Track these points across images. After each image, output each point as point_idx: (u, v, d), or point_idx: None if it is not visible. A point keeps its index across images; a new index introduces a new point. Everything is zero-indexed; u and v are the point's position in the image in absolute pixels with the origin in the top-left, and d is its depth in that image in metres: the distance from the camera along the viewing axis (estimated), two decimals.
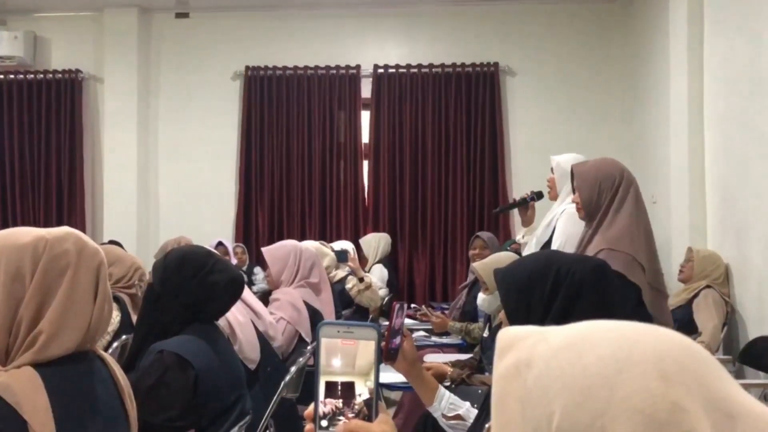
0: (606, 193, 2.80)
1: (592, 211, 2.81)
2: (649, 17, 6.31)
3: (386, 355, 1.93)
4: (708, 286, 4.43)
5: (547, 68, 7.27)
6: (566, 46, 7.25)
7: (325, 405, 0.99)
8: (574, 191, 2.92)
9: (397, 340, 1.97)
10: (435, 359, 3.93)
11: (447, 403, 2.17)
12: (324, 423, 0.99)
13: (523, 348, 0.67)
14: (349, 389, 1.00)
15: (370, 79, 7.40)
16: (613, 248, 2.65)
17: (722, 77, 4.78)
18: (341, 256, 5.55)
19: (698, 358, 0.61)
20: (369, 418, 0.99)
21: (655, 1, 6.06)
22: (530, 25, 7.29)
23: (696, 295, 4.43)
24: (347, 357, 1.00)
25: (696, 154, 5.03)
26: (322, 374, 0.99)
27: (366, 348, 1.00)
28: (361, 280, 5.52)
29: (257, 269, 6.80)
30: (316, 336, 1.00)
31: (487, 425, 1.56)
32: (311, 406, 1.00)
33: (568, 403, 0.60)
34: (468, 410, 2.18)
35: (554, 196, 3.68)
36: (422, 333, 4.95)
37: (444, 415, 2.17)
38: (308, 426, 1.00)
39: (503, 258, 3.65)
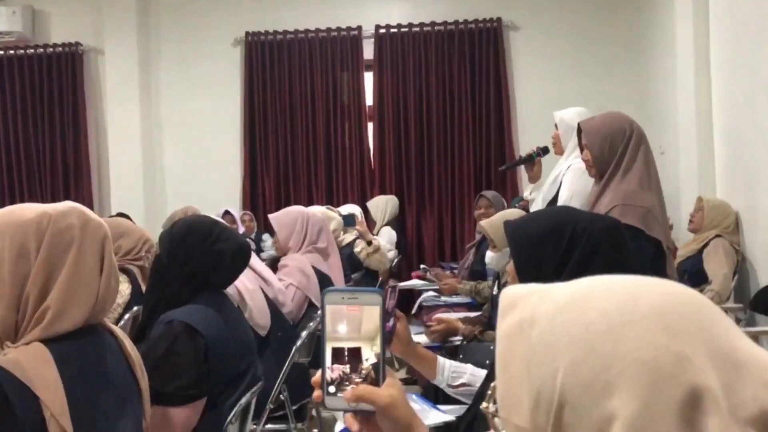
0: (616, 148, 2.72)
1: (603, 167, 2.74)
2: None
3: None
4: (718, 236, 4.41)
5: (550, 21, 7.18)
6: None
7: (333, 371, 0.99)
8: (582, 148, 2.85)
9: (390, 322, 1.96)
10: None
11: (449, 373, 2.16)
12: (332, 389, 1.00)
13: (527, 306, 0.67)
14: (355, 355, 1.00)
15: (372, 39, 7.33)
16: (629, 203, 2.59)
17: (728, 23, 4.71)
18: (349, 220, 5.55)
19: (702, 308, 0.61)
20: (376, 382, 1.00)
21: None
22: None
23: (706, 245, 4.42)
24: (353, 323, 1.00)
25: (703, 103, 4.98)
26: (329, 341, 0.99)
27: (371, 313, 1.00)
28: (369, 243, 5.53)
29: (266, 236, 6.82)
30: (321, 303, 1.00)
31: (492, 384, 1.56)
32: (318, 373, 1.00)
33: (572, 358, 0.60)
34: (471, 375, 2.18)
35: (560, 152, 3.66)
36: (432, 293, 4.97)
37: (449, 385, 2.17)
38: (316, 392, 1.01)
39: (510, 215, 3.63)
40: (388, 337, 1.96)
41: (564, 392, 0.59)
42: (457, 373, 2.17)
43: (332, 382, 0.99)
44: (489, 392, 1.39)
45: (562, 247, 1.69)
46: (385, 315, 1.92)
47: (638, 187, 2.65)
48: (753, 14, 4.27)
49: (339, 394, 0.99)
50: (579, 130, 2.88)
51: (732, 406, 0.55)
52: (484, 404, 1.36)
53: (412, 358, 2.13)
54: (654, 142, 6.30)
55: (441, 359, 2.18)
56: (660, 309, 0.60)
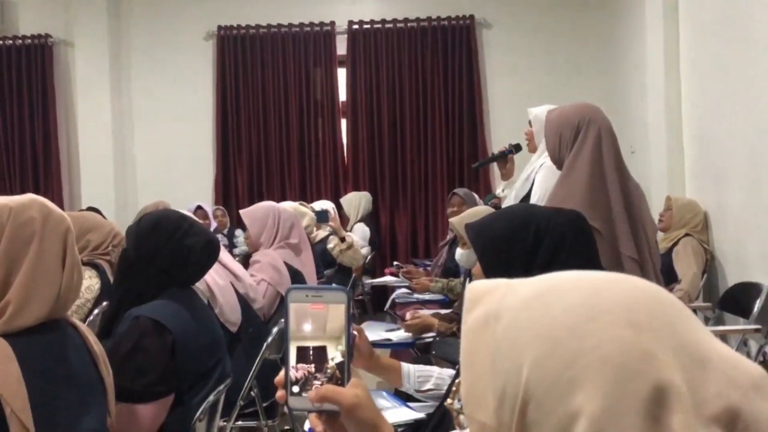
0: (566, 141, 2.59)
1: (556, 160, 2.64)
2: None
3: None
4: (687, 234, 4.45)
5: (523, 19, 7.21)
6: None
7: (297, 370, 0.98)
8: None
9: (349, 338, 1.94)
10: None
11: (415, 379, 2.16)
12: (296, 389, 0.98)
13: (492, 300, 0.66)
14: (320, 354, 0.99)
15: (345, 35, 7.31)
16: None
17: (698, 23, 4.75)
18: (322, 216, 5.53)
19: (668, 305, 0.61)
20: (342, 382, 0.99)
21: None
22: None
23: (675, 244, 4.45)
24: (318, 321, 0.99)
25: (673, 102, 5.03)
26: (293, 339, 0.98)
27: (336, 311, 0.99)
28: (342, 239, 5.53)
29: (238, 232, 6.77)
30: (285, 301, 0.99)
31: (457, 380, 1.55)
32: (282, 373, 0.99)
33: (537, 354, 0.59)
34: (438, 377, 2.18)
35: (533, 149, 3.66)
36: (405, 290, 4.97)
37: (417, 391, 2.17)
38: (279, 392, 0.99)
39: (480, 212, 3.64)
40: (350, 351, 1.94)
41: (529, 388, 0.59)
42: (423, 377, 2.17)
43: (296, 382, 0.98)
44: (453, 389, 1.38)
45: (529, 244, 1.69)
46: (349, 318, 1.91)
47: (577, 190, 2.48)
48: (721, 15, 4.32)
49: (303, 394, 0.98)
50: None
51: (696, 402, 0.55)
52: (448, 401, 1.36)
53: (376, 369, 2.12)
54: (624, 142, 6.34)
55: (405, 366, 2.17)
56: (626, 304, 0.59)
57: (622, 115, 6.48)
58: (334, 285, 1.11)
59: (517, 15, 7.21)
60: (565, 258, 1.64)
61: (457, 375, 1.99)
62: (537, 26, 7.18)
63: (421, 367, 2.20)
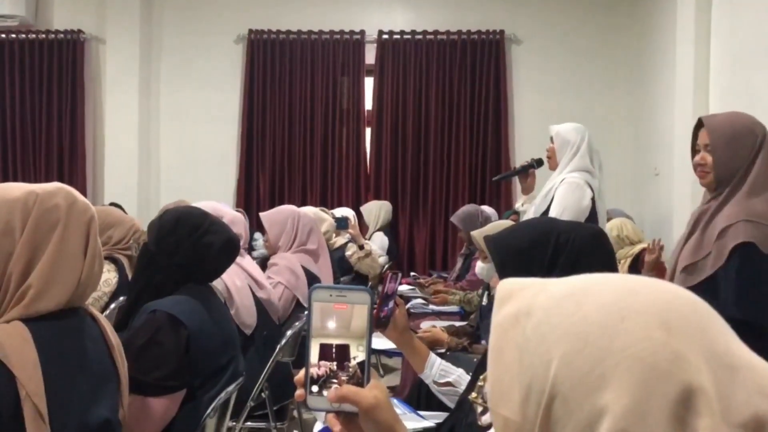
0: (744, 153, 2.31)
1: (723, 174, 2.34)
2: None
3: (376, 321, 1.93)
4: None
5: (553, 37, 7.19)
6: (572, 14, 7.16)
7: (320, 368, 0.98)
8: (694, 149, 2.47)
9: (389, 307, 1.96)
10: (434, 325, 3.94)
11: (438, 370, 2.16)
12: (315, 388, 0.98)
13: (524, 297, 0.67)
14: (343, 352, 0.99)
15: (375, 44, 7.33)
16: (754, 220, 2.22)
17: (728, 48, 4.72)
18: (341, 223, 5.54)
19: (700, 310, 0.61)
20: (361, 383, 0.98)
21: None
22: None
23: None
24: (342, 320, 0.99)
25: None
26: (316, 337, 0.98)
27: (360, 312, 0.99)
28: (361, 247, 5.52)
29: (257, 235, 6.79)
30: (308, 300, 0.99)
31: (482, 375, 1.54)
32: (302, 372, 0.99)
33: (567, 350, 0.59)
34: (460, 376, 2.17)
35: (554, 166, 3.66)
36: (420, 300, 4.96)
37: (435, 382, 2.17)
38: (299, 391, 0.99)
39: (500, 225, 3.63)
40: (384, 321, 1.96)
41: (556, 384, 0.59)
42: (445, 371, 2.17)
43: (316, 381, 0.98)
44: (479, 383, 1.38)
45: (547, 258, 1.69)
46: (385, 298, 1.92)
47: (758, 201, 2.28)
48: (753, 39, 4.29)
49: (323, 394, 0.98)
50: (697, 127, 2.46)
51: (724, 408, 0.55)
52: (473, 395, 1.35)
53: (406, 346, 2.13)
54: (649, 163, 6.37)
55: (433, 355, 2.19)
56: (658, 306, 0.59)
57: (648, 137, 6.46)
58: (357, 285, 1.11)
59: (547, 32, 7.20)
60: (583, 272, 1.63)
61: (478, 371, 1.99)
62: (566, 44, 7.16)
63: (447, 363, 2.20)
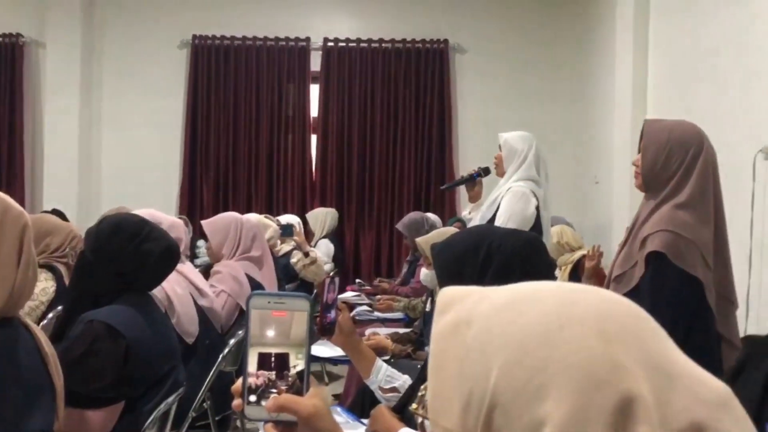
0: (672, 164, 2.30)
1: (651, 181, 2.34)
2: None
3: (322, 329, 1.92)
4: None
5: (497, 47, 7.29)
6: (515, 25, 7.27)
7: (258, 377, 0.97)
8: (639, 151, 2.44)
9: (332, 314, 1.96)
10: (377, 332, 3.95)
11: (384, 376, 2.16)
12: (253, 398, 0.97)
13: (464, 306, 0.66)
14: (282, 360, 0.97)
15: (320, 52, 7.32)
16: (677, 231, 2.20)
17: (665, 59, 4.85)
18: (287, 230, 5.51)
19: (638, 319, 0.61)
20: (301, 392, 0.97)
21: None
22: (481, 2, 7.29)
23: None
24: (281, 328, 0.97)
25: (638, 136, 5.08)
26: (254, 346, 0.97)
27: (300, 319, 0.98)
28: (306, 254, 5.50)
29: (200, 242, 6.70)
30: (246, 307, 0.97)
31: (423, 386, 1.54)
32: (239, 381, 0.97)
33: (507, 360, 0.59)
34: (405, 382, 2.18)
35: (501, 173, 3.70)
36: (365, 307, 4.97)
37: (381, 388, 2.17)
38: (236, 401, 0.97)
39: (446, 233, 3.66)
40: (330, 328, 1.95)
41: (496, 394, 0.58)
42: (391, 377, 2.17)
43: (255, 390, 0.97)
44: (420, 393, 1.38)
45: (479, 265, 1.70)
46: (327, 307, 1.91)
47: (696, 221, 2.23)
48: (689, 52, 4.42)
49: (261, 403, 0.97)
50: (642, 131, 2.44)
51: (662, 416, 0.55)
52: (413, 405, 1.36)
53: (353, 351, 2.12)
54: (590, 172, 6.49)
55: (379, 360, 2.18)
56: (597, 315, 0.59)
57: (589, 147, 6.60)
58: (296, 292, 1.08)
59: (490, 42, 7.29)
60: (516, 280, 1.64)
61: (419, 380, 1.99)
62: (509, 54, 7.26)
63: (394, 370, 2.20)
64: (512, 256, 1.69)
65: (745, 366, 2.15)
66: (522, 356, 0.58)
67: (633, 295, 2.24)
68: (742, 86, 3.77)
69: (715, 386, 0.59)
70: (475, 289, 0.68)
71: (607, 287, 2.43)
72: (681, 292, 2.18)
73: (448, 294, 0.69)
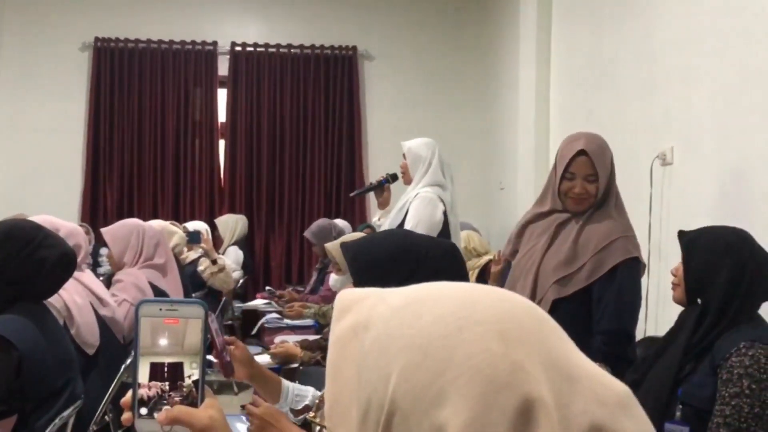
0: (611, 173, 2.53)
1: (603, 198, 2.51)
2: (502, 7, 6.51)
3: (225, 371, 1.86)
4: None
5: (405, 54, 7.37)
6: (423, 33, 7.37)
7: (150, 389, 0.93)
8: (564, 177, 2.53)
9: (226, 355, 1.88)
10: (286, 340, 3.92)
11: (293, 396, 2.12)
12: (143, 411, 0.93)
13: (362, 310, 0.64)
14: (176, 370, 0.94)
15: (228, 56, 7.23)
16: (628, 235, 2.48)
17: (567, 68, 5.01)
18: (194, 237, 5.41)
19: (539, 319, 0.60)
20: (196, 403, 0.94)
21: None
22: (389, 10, 7.35)
23: None
24: (175, 336, 0.94)
25: (541, 143, 5.25)
26: (145, 355, 0.93)
27: (194, 327, 0.95)
28: (214, 262, 5.41)
29: (103, 250, 6.49)
30: (135, 316, 0.93)
31: (320, 393, 1.52)
32: (128, 394, 0.94)
33: (406, 364, 0.57)
34: (313, 396, 2.15)
35: (408, 180, 3.74)
36: (275, 315, 4.92)
37: (292, 410, 2.13)
38: (125, 415, 0.94)
39: (356, 237, 3.67)
40: (230, 367, 1.89)
41: (395, 399, 0.57)
42: (300, 396, 2.13)
43: (147, 402, 0.93)
44: (317, 401, 1.36)
45: (406, 271, 1.70)
46: (219, 348, 1.83)
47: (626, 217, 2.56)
48: (589, 62, 4.58)
49: (153, 416, 0.93)
50: (575, 155, 2.50)
51: (563, 418, 0.55)
52: (311, 414, 1.34)
53: (258, 380, 2.06)
54: (495, 177, 6.63)
55: (285, 383, 2.13)
56: (497, 316, 0.58)
57: (495, 153, 6.74)
58: (190, 298, 1.05)
59: (398, 50, 7.37)
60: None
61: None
62: (417, 62, 7.36)
63: (300, 386, 2.16)
64: (438, 266, 1.69)
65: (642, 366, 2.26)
66: (421, 359, 0.57)
67: (581, 296, 2.43)
68: (640, 94, 3.92)
69: (615, 387, 0.59)
70: (373, 291, 0.67)
71: (533, 288, 2.51)
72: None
73: (346, 297, 0.67)
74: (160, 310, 0.94)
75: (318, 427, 1.26)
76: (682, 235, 2.22)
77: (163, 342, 0.94)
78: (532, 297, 2.42)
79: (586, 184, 2.47)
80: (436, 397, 0.55)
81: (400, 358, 0.58)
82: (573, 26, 4.90)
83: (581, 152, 2.47)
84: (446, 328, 0.57)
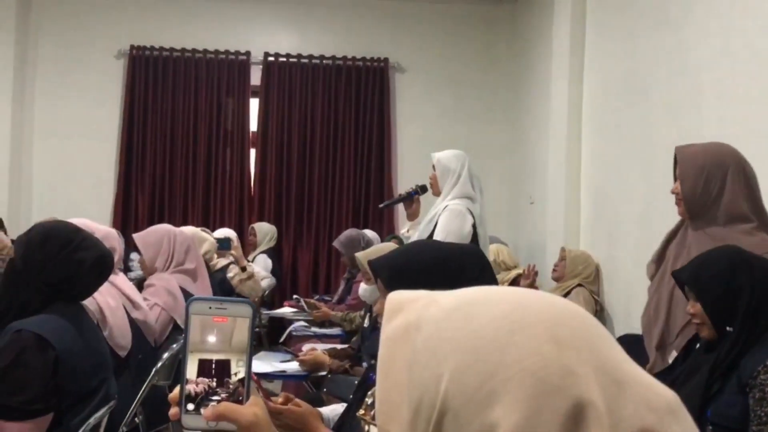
0: (712, 184, 2.37)
1: (693, 206, 2.41)
2: (534, 20, 6.50)
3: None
4: (579, 285, 4.60)
5: (435, 67, 7.39)
6: (455, 45, 7.39)
7: (198, 384, 0.94)
8: (675, 178, 2.53)
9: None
10: (314, 347, 3.93)
11: (333, 416, 2.09)
12: (191, 406, 0.94)
13: (413, 310, 0.65)
14: (223, 367, 0.95)
15: (260, 66, 7.30)
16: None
17: (600, 83, 4.98)
18: (224, 244, 5.44)
19: (590, 325, 0.61)
20: (242, 400, 0.96)
21: (541, 4, 6.24)
22: (421, 23, 7.39)
23: (568, 293, 4.59)
24: (223, 334, 0.95)
25: (573, 158, 5.22)
26: (194, 352, 0.94)
27: (242, 325, 0.96)
28: (243, 269, 5.44)
29: (134, 255, 6.57)
30: (186, 312, 0.95)
31: (370, 392, 1.52)
32: (176, 389, 0.95)
33: (457, 364, 0.58)
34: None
35: (437, 192, 3.74)
36: (302, 323, 4.94)
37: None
38: (173, 410, 0.95)
39: (385, 248, 3.68)
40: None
41: (447, 399, 0.57)
42: (335, 412, 2.12)
43: (194, 398, 0.94)
44: (368, 400, 1.36)
45: (444, 279, 1.69)
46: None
47: (750, 230, 2.31)
48: (623, 76, 4.55)
49: (200, 412, 0.94)
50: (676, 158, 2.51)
51: (613, 422, 0.55)
52: (361, 411, 1.33)
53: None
54: (525, 192, 6.61)
55: (322, 412, 2.04)
56: (549, 320, 0.59)
57: (525, 167, 6.71)
58: (238, 298, 1.05)
59: (429, 62, 7.39)
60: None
61: (360, 389, 1.96)
62: (448, 75, 7.37)
63: (331, 407, 2.10)
64: (473, 274, 1.69)
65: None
66: (473, 361, 0.57)
67: None
68: (674, 110, 3.89)
69: (664, 393, 0.60)
70: (423, 293, 0.67)
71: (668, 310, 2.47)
72: None
73: (396, 298, 0.68)
74: (210, 308, 0.96)
75: (367, 426, 1.26)
76: (680, 274, 2.17)
77: (212, 339, 0.95)
78: None
79: (677, 184, 2.48)
80: (487, 398, 0.56)
81: (451, 358, 0.59)
82: (607, 40, 4.88)
83: (675, 156, 2.54)
84: (498, 331, 0.58)
